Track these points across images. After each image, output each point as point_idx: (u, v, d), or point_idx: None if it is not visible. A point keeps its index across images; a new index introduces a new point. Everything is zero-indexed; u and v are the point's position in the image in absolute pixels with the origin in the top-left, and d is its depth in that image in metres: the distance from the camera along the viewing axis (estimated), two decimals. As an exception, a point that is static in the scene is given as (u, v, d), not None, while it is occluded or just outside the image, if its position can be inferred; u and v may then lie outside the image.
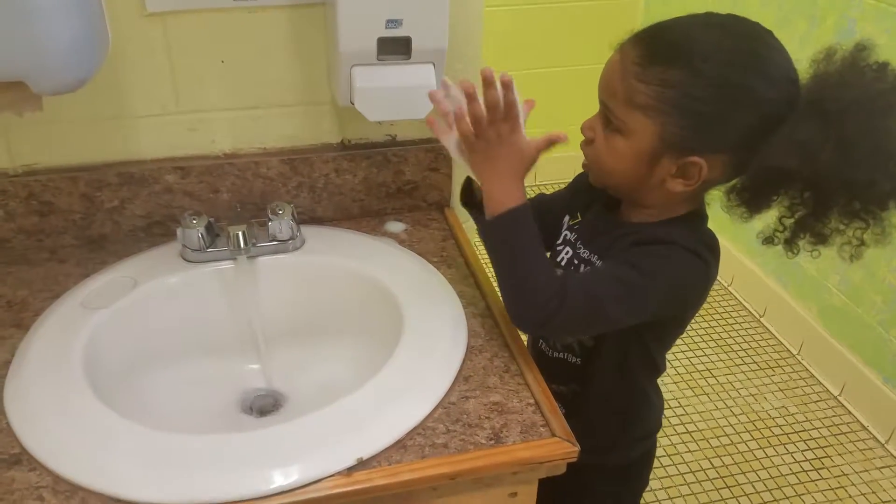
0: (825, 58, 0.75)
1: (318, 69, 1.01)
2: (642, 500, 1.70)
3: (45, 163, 0.98)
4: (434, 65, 0.95)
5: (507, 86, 0.77)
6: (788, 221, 0.80)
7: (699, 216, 0.85)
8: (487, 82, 0.77)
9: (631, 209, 0.86)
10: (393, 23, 0.90)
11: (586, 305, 0.78)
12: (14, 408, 0.75)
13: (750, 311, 2.39)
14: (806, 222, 0.78)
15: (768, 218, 0.82)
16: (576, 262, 0.90)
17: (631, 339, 0.87)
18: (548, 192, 1.04)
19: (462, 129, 0.81)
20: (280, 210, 0.97)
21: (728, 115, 0.73)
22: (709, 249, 0.82)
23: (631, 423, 0.98)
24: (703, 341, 2.26)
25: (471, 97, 0.79)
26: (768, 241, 0.83)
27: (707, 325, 2.33)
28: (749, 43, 0.74)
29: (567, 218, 0.95)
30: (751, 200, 0.80)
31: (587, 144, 0.82)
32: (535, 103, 0.84)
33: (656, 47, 0.74)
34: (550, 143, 0.80)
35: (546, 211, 0.96)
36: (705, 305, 2.39)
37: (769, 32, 0.75)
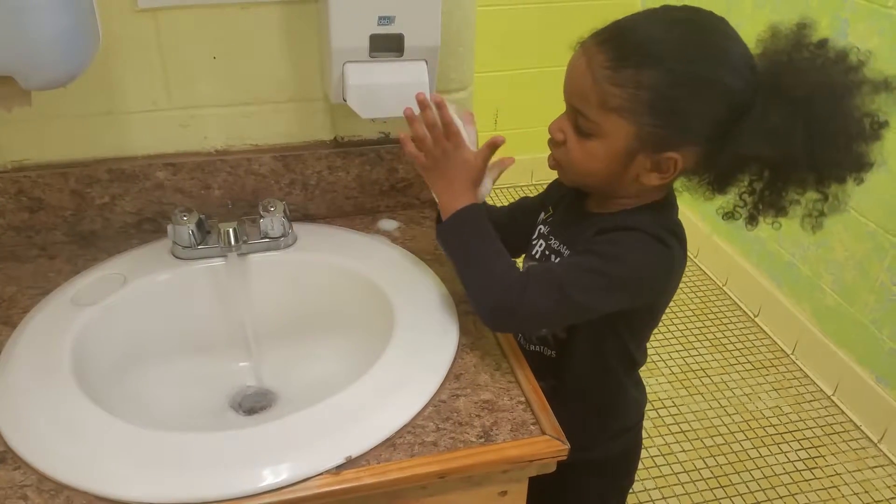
0: (771, 37, 0.77)
1: (310, 66, 1.00)
2: (635, 499, 1.70)
3: (35, 159, 0.97)
4: (427, 62, 0.95)
5: (440, 106, 0.83)
6: (749, 197, 0.82)
7: (667, 204, 0.86)
8: (422, 105, 0.83)
9: (601, 199, 0.87)
10: (385, 20, 0.90)
11: (550, 295, 0.79)
12: None
13: (744, 311, 2.39)
14: (765, 196, 0.81)
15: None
16: (548, 252, 0.91)
17: (604, 330, 0.88)
18: (529, 196, 1.05)
19: (410, 151, 0.86)
20: (272, 207, 0.96)
21: (700, 109, 0.75)
22: (673, 235, 0.83)
23: (609, 417, 0.98)
24: (698, 340, 2.26)
25: (411, 119, 0.84)
26: (728, 216, 0.85)
27: (701, 325, 2.33)
28: (711, 36, 0.76)
29: (542, 214, 0.97)
30: (716, 182, 0.82)
31: (556, 146, 0.83)
32: (514, 161, 0.89)
33: (624, 50, 0.75)
34: (492, 149, 0.84)
35: (524, 214, 0.99)
36: (700, 305, 2.40)
37: (724, 21, 0.77)
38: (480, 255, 0.82)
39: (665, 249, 0.81)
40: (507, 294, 0.79)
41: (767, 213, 0.82)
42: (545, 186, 1.00)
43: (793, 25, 0.77)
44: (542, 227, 0.95)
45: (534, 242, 0.95)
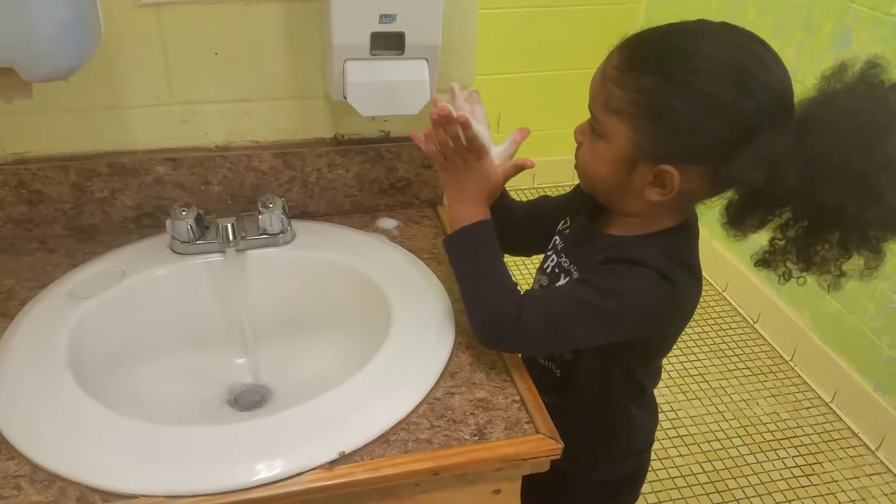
0: (834, 73, 0.71)
1: (311, 63, 1.00)
2: None
3: (35, 151, 0.97)
4: (427, 61, 0.95)
5: (464, 125, 0.79)
6: (779, 244, 0.77)
7: (686, 231, 0.82)
8: (442, 122, 0.79)
9: (614, 220, 0.85)
10: (386, 18, 0.90)
11: (544, 325, 0.78)
12: (-4, 396, 0.75)
13: (744, 317, 2.39)
14: (794, 246, 0.75)
15: (764, 240, 0.79)
16: (557, 271, 0.89)
17: (609, 356, 0.86)
18: (551, 195, 1.03)
19: (430, 149, 0.83)
20: (271, 203, 0.96)
21: (700, 125, 0.71)
22: (685, 270, 0.79)
23: (613, 439, 0.96)
24: (697, 346, 2.26)
25: (435, 122, 0.80)
26: (760, 263, 0.79)
27: (701, 331, 2.33)
28: (730, 53, 0.71)
29: (561, 223, 0.94)
30: (735, 217, 0.76)
31: (577, 148, 0.82)
32: (530, 132, 0.87)
33: (634, 53, 0.73)
34: (517, 169, 0.84)
35: (544, 215, 0.97)
36: (699, 310, 2.38)
37: (760, 43, 0.72)
38: (482, 276, 0.81)
39: (670, 289, 0.77)
40: (502, 320, 0.78)
41: (794, 264, 0.76)
42: (547, 190, 0.99)
43: (862, 63, 0.70)
44: (557, 238, 0.93)
45: (548, 254, 0.93)
